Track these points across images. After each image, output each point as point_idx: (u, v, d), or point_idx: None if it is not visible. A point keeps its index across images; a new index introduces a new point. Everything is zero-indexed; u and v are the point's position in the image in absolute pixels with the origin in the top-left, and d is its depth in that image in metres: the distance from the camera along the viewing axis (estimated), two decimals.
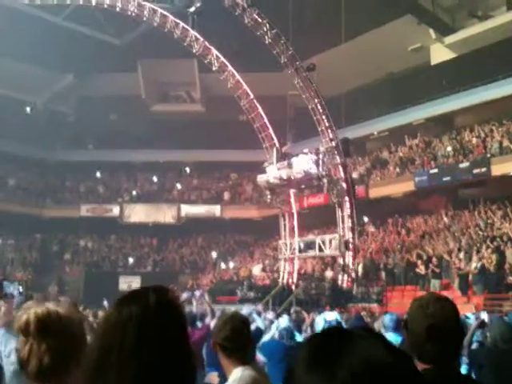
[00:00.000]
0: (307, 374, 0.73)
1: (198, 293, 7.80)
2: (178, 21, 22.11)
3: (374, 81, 27.79)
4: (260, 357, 5.54)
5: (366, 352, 0.72)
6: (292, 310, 10.03)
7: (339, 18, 21.51)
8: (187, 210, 32.26)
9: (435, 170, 22.62)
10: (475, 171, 21.00)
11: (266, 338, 6.63)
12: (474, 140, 22.70)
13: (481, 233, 18.78)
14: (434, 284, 17.93)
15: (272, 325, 7.37)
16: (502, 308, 14.84)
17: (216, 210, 31.98)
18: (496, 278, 16.19)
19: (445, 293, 15.99)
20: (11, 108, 28.61)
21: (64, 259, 31.37)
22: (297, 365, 0.75)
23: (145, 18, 22.60)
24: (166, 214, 32.10)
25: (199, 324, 7.13)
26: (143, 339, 1.17)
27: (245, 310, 9.07)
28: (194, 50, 22.34)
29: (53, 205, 32.00)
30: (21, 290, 11.05)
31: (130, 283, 28.56)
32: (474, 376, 4.26)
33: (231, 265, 29.01)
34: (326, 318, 6.47)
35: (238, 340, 2.70)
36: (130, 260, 31.21)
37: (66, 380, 1.48)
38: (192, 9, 20.88)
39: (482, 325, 5.53)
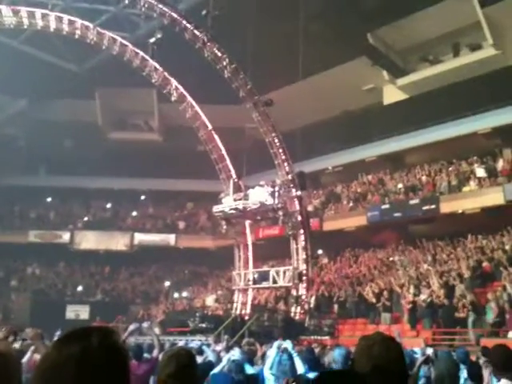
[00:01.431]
0: None
1: (145, 324, 7.65)
2: (137, 50, 22.16)
3: (329, 118, 28.48)
4: None
5: None
6: (244, 342, 9.98)
7: (297, 56, 22.08)
8: (141, 238, 31.76)
9: (387, 206, 23.23)
10: (425, 208, 21.69)
11: (215, 370, 6.57)
12: (424, 178, 23.52)
13: (430, 268, 19.29)
14: (385, 317, 18.21)
15: (223, 357, 7.31)
16: (452, 342, 15.18)
17: (170, 238, 31.60)
18: (445, 312, 16.56)
19: (395, 326, 16.25)
20: None
21: (10, 286, 30.17)
22: None
23: (104, 47, 22.53)
24: (118, 242, 31.46)
25: (147, 356, 6.99)
26: (81, 382, 1.12)
27: (195, 342, 8.96)
28: (154, 80, 22.36)
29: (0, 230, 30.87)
30: None
31: (77, 312, 27.68)
32: None
33: (184, 295, 28.55)
34: (278, 347, 6.48)
35: (184, 377, 2.59)
36: (79, 288, 30.28)
37: None
38: (152, 39, 21.00)
39: (427, 361, 5.63)
